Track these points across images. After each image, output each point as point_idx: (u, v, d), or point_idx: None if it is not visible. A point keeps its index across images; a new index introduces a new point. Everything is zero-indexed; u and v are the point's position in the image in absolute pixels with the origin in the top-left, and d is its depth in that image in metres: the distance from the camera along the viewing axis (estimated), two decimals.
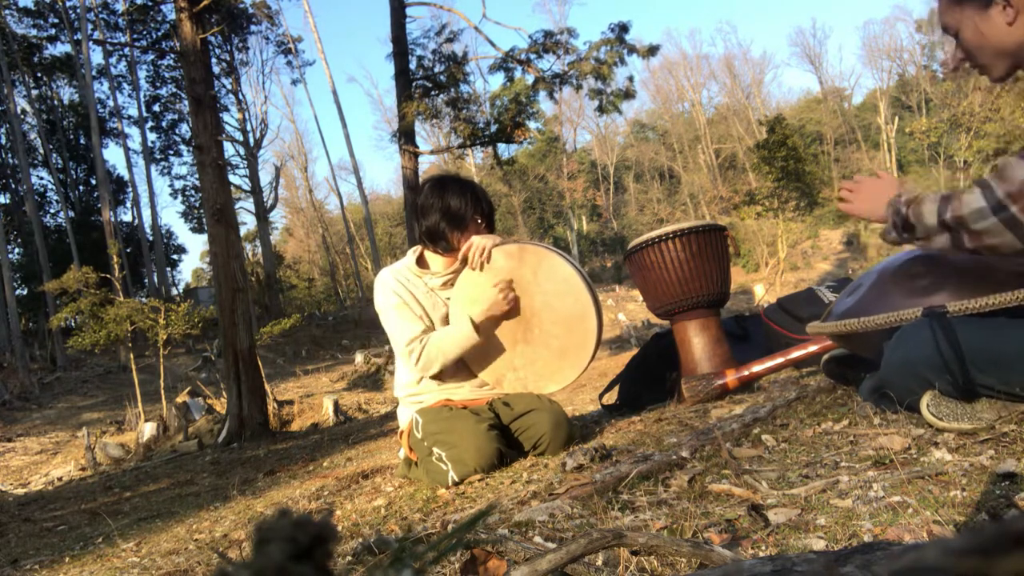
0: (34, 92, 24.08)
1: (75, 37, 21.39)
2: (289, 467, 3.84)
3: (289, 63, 28.46)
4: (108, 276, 13.19)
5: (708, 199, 41.62)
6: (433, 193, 2.08)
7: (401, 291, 2.08)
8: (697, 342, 2.53)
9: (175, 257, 28.26)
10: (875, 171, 1.57)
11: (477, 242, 2.06)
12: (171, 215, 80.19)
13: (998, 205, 1.15)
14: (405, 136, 9.77)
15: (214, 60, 19.81)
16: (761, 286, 21.79)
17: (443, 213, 2.05)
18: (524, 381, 2.11)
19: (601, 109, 10.08)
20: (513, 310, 2.09)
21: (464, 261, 2.13)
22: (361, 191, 24.76)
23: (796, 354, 2.35)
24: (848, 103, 45.99)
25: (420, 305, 2.09)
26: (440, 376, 2.10)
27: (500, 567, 0.95)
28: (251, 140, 24.84)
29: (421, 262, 2.16)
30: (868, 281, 1.56)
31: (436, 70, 10.06)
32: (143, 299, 16.15)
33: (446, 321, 2.12)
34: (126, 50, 23.14)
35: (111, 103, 23.96)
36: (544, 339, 2.08)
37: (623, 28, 9.61)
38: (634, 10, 79.00)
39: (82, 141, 25.27)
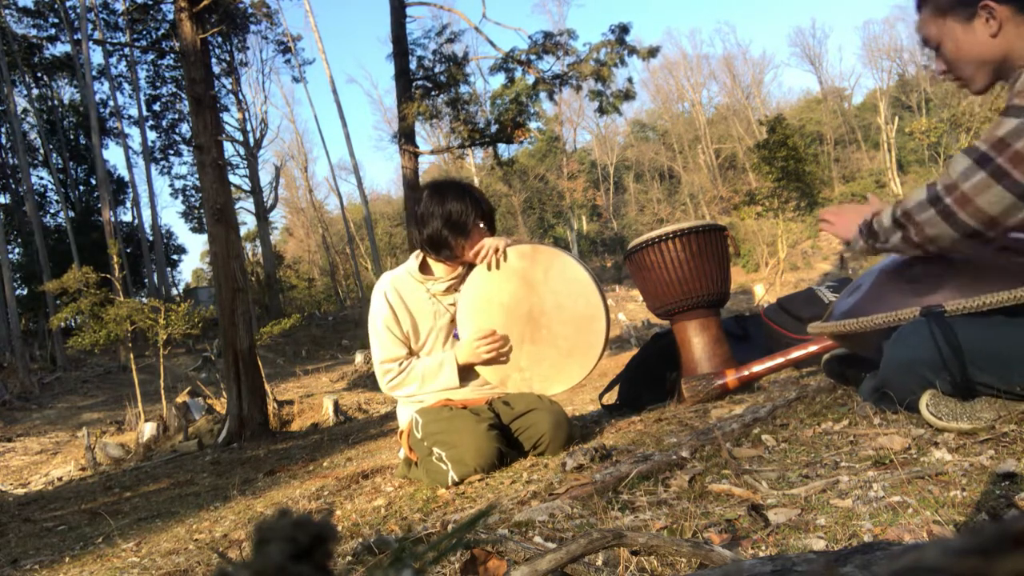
0: (34, 92, 24.11)
1: (75, 37, 21.39)
2: (289, 467, 3.83)
3: (288, 62, 28.52)
4: (108, 276, 13.18)
5: (708, 199, 41.61)
6: (433, 200, 2.06)
7: (395, 300, 2.07)
8: (697, 342, 2.53)
9: (175, 257, 28.28)
10: (868, 196, 1.61)
11: (490, 243, 2.06)
12: (171, 215, 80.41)
13: (936, 197, 1.23)
14: (405, 136, 9.77)
15: (214, 60, 19.82)
16: (761, 286, 21.77)
17: (445, 220, 2.02)
18: (529, 382, 2.11)
19: (601, 110, 10.08)
20: (521, 311, 2.09)
21: (468, 266, 2.13)
22: (361, 191, 24.75)
23: (796, 354, 2.35)
24: (848, 103, 45.99)
25: (410, 316, 2.08)
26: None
27: (500, 567, 0.95)
28: (251, 140, 24.87)
29: (424, 268, 2.15)
30: (868, 281, 1.56)
31: (436, 70, 10.05)
32: (143, 299, 16.15)
33: (449, 328, 2.12)
34: (126, 50, 23.14)
35: (111, 103, 23.99)
36: (552, 339, 2.08)
37: (623, 29, 9.61)
38: (633, 10, 79.07)
39: (82, 141, 25.27)
